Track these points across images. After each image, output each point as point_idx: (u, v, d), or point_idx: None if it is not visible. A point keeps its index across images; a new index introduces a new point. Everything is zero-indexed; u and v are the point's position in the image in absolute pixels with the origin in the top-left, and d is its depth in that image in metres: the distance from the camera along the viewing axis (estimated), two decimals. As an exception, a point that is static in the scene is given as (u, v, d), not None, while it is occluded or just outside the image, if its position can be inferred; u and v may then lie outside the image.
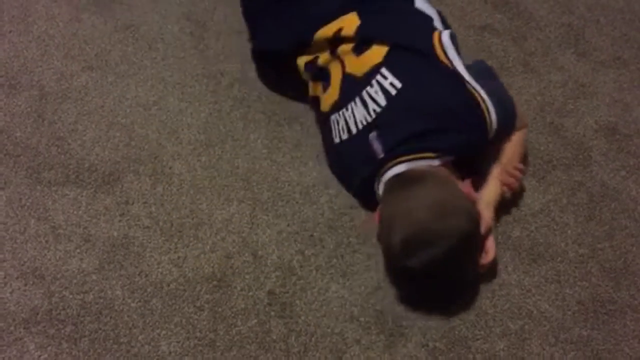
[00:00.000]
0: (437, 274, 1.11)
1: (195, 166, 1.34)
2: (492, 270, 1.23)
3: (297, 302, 1.18)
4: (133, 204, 1.28)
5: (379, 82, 1.23)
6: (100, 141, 1.36)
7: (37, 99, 1.41)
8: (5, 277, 1.16)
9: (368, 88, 1.24)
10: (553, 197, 1.33)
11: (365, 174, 1.23)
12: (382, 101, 1.22)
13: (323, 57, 1.32)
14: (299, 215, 1.28)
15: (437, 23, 1.34)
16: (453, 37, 1.27)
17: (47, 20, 1.54)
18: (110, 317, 1.14)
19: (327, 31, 1.31)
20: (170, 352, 1.11)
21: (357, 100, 1.25)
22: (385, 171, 1.19)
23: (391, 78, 1.22)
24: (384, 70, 1.23)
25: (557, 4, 1.68)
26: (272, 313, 1.16)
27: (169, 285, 1.18)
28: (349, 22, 1.29)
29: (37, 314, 1.13)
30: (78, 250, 1.21)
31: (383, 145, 1.20)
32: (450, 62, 1.23)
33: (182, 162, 1.34)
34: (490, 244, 1.20)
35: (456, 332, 1.16)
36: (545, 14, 1.66)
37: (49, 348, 1.10)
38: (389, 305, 1.18)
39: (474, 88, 1.21)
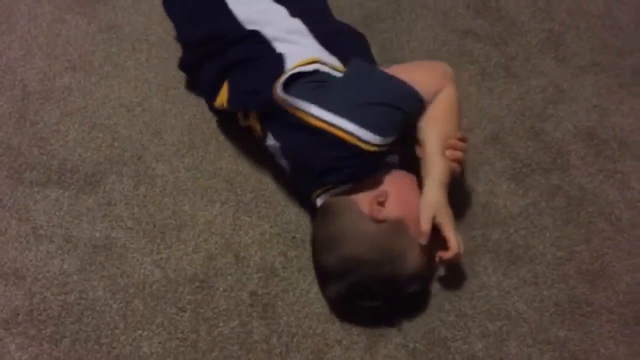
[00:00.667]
0: (366, 297, 1.13)
1: (178, 167, 1.34)
2: (459, 264, 1.20)
3: (279, 303, 1.19)
4: (115, 205, 1.28)
5: (268, 139, 1.25)
6: (83, 142, 1.36)
7: (19, 99, 1.41)
8: (-15, 278, 1.16)
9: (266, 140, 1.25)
10: (532, 201, 1.36)
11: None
12: (279, 156, 1.25)
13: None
14: (281, 217, 1.29)
15: (292, 59, 1.19)
16: (298, 76, 1.16)
17: (30, 20, 1.53)
18: (92, 318, 1.14)
19: (218, 103, 1.28)
20: (152, 353, 1.11)
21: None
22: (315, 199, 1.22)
23: (271, 139, 1.23)
24: (266, 131, 1.24)
25: (539, 10, 1.71)
26: (254, 314, 1.17)
27: (151, 286, 1.18)
28: (223, 95, 1.26)
29: (18, 314, 1.13)
30: (60, 251, 1.21)
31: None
32: (297, 109, 1.14)
33: (165, 164, 1.34)
34: (449, 235, 1.13)
35: (436, 333, 1.18)
36: (526, 19, 1.68)
37: (30, 349, 1.09)
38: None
39: (332, 125, 1.11)
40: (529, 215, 1.33)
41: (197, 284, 1.19)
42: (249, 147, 1.38)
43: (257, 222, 1.28)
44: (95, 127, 1.38)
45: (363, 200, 1.14)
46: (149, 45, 1.53)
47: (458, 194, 1.36)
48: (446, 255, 1.14)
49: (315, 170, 1.16)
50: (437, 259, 1.15)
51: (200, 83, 1.38)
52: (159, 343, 1.12)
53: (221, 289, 1.19)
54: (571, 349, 1.17)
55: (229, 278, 1.21)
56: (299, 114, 1.14)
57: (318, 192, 1.19)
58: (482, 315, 1.20)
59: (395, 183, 1.17)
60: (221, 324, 1.15)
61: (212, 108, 1.37)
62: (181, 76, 1.48)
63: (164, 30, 1.56)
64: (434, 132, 1.17)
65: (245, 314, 1.17)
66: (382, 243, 1.11)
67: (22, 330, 1.11)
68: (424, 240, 1.12)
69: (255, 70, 1.23)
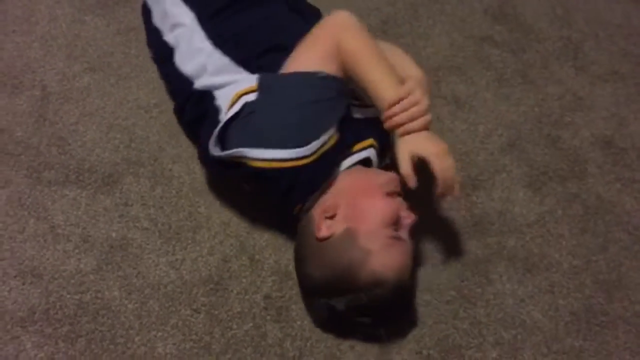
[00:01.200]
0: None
1: (194, 169, 1.34)
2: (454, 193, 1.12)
3: (293, 306, 1.19)
4: (132, 205, 1.28)
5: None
6: (101, 142, 1.37)
7: (39, 99, 1.42)
8: (3, 276, 1.17)
9: None
10: (548, 209, 1.35)
11: None
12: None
13: None
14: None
15: (224, 104, 1.15)
16: (231, 120, 1.12)
17: (50, 21, 1.55)
18: (107, 318, 1.14)
19: None
20: (166, 354, 1.12)
21: None
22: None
23: (246, 187, 1.23)
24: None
25: (557, 18, 1.70)
26: (268, 317, 1.17)
27: (166, 287, 1.19)
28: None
29: (35, 313, 1.14)
30: (76, 251, 1.21)
31: None
32: (235, 158, 1.11)
33: (181, 165, 1.35)
34: (436, 167, 1.06)
35: (450, 340, 1.17)
36: (544, 26, 1.67)
37: (46, 347, 1.10)
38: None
39: (264, 160, 1.08)
40: (545, 223, 1.33)
41: (211, 285, 1.20)
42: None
43: (272, 225, 1.28)
44: (113, 128, 1.39)
45: (315, 215, 1.11)
46: (167, 47, 1.54)
47: (474, 202, 1.35)
48: (440, 189, 1.07)
49: (277, 200, 1.15)
50: (436, 194, 1.09)
51: None
52: (174, 344, 1.13)
53: (235, 292, 1.20)
54: (586, 359, 1.17)
55: (244, 280, 1.21)
56: (237, 160, 1.11)
57: (295, 212, 1.16)
58: (497, 323, 1.19)
59: (345, 186, 1.11)
60: (235, 327, 1.16)
61: None
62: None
63: (182, 32, 1.56)
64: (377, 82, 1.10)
65: (259, 317, 1.17)
66: (329, 259, 1.07)
67: (38, 328, 1.12)
68: (411, 182, 1.07)
69: (205, 129, 1.17)
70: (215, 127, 1.13)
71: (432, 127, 1.33)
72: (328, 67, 1.12)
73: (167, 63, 1.30)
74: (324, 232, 1.08)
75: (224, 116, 1.13)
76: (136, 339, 1.13)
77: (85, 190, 1.29)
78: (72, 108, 1.41)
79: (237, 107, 1.12)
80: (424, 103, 1.09)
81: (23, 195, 1.27)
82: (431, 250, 1.27)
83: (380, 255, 1.05)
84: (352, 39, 1.13)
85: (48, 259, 1.20)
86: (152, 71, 1.48)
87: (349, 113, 1.15)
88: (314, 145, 1.08)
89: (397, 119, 1.09)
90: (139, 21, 1.50)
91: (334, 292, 1.08)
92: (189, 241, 1.25)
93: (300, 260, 1.14)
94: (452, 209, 1.33)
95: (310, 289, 1.13)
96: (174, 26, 1.30)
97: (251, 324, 1.16)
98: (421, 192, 1.35)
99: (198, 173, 1.34)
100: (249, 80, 1.15)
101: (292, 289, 1.21)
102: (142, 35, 1.55)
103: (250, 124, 1.11)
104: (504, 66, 1.58)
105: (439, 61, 1.59)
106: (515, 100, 1.52)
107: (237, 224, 1.28)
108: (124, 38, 1.54)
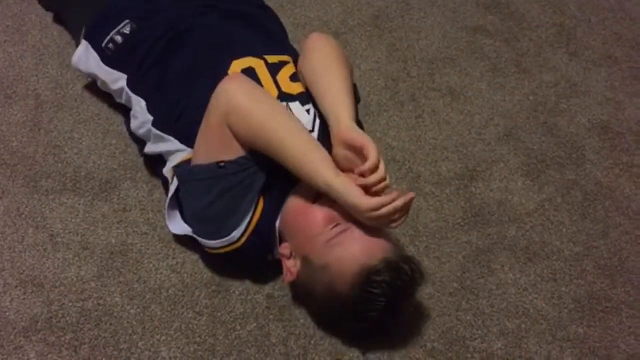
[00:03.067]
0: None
1: (192, 172, 1.34)
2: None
3: (296, 305, 1.19)
4: (131, 211, 1.28)
5: None
6: (97, 149, 1.36)
7: (33, 108, 1.42)
8: (4, 286, 1.17)
9: None
10: (548, 197, 1.34)
11: None
12: None
13: None
14: (296, 219, 1.29)
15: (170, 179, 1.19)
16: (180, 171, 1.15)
17: (41, 30, 1.55)
18: (110, 324, 1.14)
19: None
20: (170, 358, 1.11)
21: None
22: None
23: None
24: None
25: (549, 5, 1.70)
26: (271, 317, 1.17)
27: (167, 291, 1.19)
28: None
29: (37, 322, 1.13)
30: (77, 258, 1.21)
31: None
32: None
33: (178, 169, 1.34)
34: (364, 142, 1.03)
35: (454, 333, 1.17)
36: (537, 14, 1.67)
37: (50, 356, 1.10)
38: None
39: (209, 247, 1.16)
40: (545, 211, 1.32)
41: (213, 287, 1.20)
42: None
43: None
44: (108, 134, 1.39)
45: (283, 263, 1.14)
46: (160, 51, 1.53)
47: (473, 193, 1.35)
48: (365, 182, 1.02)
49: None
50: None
51: None
52: (178, 348, 1.12)
53: (237, 293, 1.19)
54: (591, 345, 1.16)
55: (245, 281, 1.21)
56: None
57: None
58: (501, 314, 1.19)
59: (287, 224, 1.12)
60: (239, 328, 1.16)
61: None
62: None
63: (174, 35, 1.56)
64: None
65: (262, 317, 1.17)
66: (311, 294, 1.09)
67: (42, 337, 1.12)
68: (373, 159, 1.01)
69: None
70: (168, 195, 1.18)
71: (428, 119, 1.33)
72: (229, 151, 1.08)
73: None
74: (290, 277, 1.11)
75: (171, 187, 1.18)
76: (140, 344, 1.13)
77: (83, 198, 1.29)
78: (66, 116, 1.41)
79: (176, 183, 1.16)
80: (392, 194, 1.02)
81: (21, 205, 1.27)
82: (432, 243, 1.27)
83: (340, 257, 1.03)
84: (241, 122, 1.07)
85: (49, 268, 1.20)
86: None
87: (269, 175, 1.12)
88: (237, 233, 1.11)
89: (383, 222, 1.03)
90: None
91: (341, 315, 1.07)
92: (189, 244, 1.24)
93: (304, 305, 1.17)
94: (452, 201, 1.33)
95: (327, 323, 1.14)
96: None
97: (255, 324, 1.16)
98: (421, 191, 1.35)
99: (195, 176, 1.34)
100: (177, 155, 1.19)
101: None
102: (134, 40, 1.54)
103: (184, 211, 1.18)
104: (498, 56, 1.58)
105: (432, 53, 1.58)
106: (510, 89, 1.51)
107: (237, 225, 1.27)
108: (116, 44, 1.53)
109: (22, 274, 1.19)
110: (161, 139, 1.21)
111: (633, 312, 1.20)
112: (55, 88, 1.45)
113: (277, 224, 1.13)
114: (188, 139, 1.16)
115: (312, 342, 1.14)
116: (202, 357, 1.12)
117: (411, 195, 1.03)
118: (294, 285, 1.15)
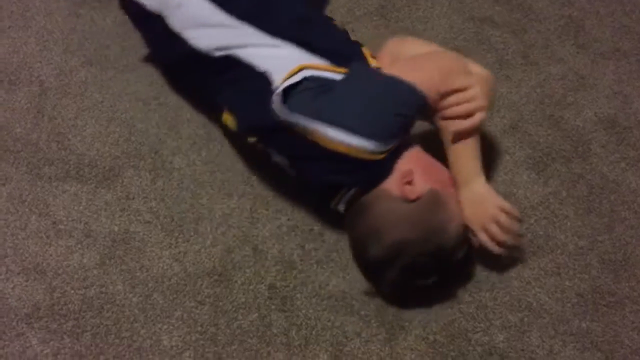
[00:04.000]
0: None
1: (195, 161, 1.34)
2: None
3: (298, 295, 1.19)
4: (133, 199, 1.28)
5: (274, 155, 1.22)
6: (100, 136, 1.36)
7: (36, 94, 1.41)
8: (7, 273, 1.17)
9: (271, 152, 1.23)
10: (553, 190, 1.34)
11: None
12: (288, 169, 1.22)
13: None
14: (299, 210, 1.29)
15: (277, 74, 1.14)
16: (292, 88, 1.12)
17: (45, 16, 1.54)
18: (112, 312, 1.14)
19: (227, 125, 1.27)
20: (171, 347, 1.12)
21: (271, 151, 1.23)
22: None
23: (276, 155, 1.21)
24: (269, 149, 1.22)
25: (557, -4, 1.68)
26: (273, 307, 1.17)
27: (170, 280, 1.19)
28: (227, 119, 1.25)
29: (39, 309, 1.14)
30: (79, 246, 1.21)
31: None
32: (300, 127, 1.12)
33: (182, 157, 1.34)
34: (476, 227, 1.16)
35: (456, 325, 1.17)
36: (544, 6, 1.65)
37: (51, 343, 1.10)
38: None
39: (335, 141, 1.09)
40: (550, 204, 1.32)
41: (215, 277, 1.20)
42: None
43: (274, 215, 1.27)
44: (112, 122, 1.38)
45: (390, 185, 1.14)
46: (164, 38, 1.52)
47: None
48: (477, 242, 1.18)
49: (325, 184, 1.16)
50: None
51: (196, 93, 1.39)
52: (179, 336, 1.13)
53: (239, 282, 1.19)
54: (594, 340, 1.16)
55: (247, 271, 1.21)
56: (299, 130, 1.12)
57: (335, 199, 1.18)
58: (503, 307, 1.19)
59: (412, 159, 1.16)
60: (240, 317, 1.16)
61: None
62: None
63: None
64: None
65: (264, 307, 1.17)
66: (422, 219, 1.12)
67: (44, 324, 1.12)
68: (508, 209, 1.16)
69: (245, 94, 1.19)
70: (263, 92, 1.14)
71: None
72: (430, 93, 1.13)
73: (153, 21, 1.28)
74: (415, 192, 1.13)
75: (277, 83, 1.13)
76: (141, 332, 1.13)
77: (86, 185, 1.29)
78: (70, 103, 1.40)
79: (297, 78, 1.12)
80: (480, 101, 1.13)
81: (24, 192, 1.27)
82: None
83: (458, 211, 1.15)
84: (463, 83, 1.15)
85: (51, 255, 1.20)
86: (150, 64, 1.47)
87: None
88: (390, 144, 1.12)
89: (449, 112, 1.13)
90: (134, 13, 1.48)
91: (419, 252, 1.11)
92: (192, 233, 1.24)
93: (377, 231, 1.12)
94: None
95: (396, 252, 1.11)
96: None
97: (256, 314, 1.16)
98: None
99: (199, 165, 1.33)
100: (304, 56, 1.17)
101: (297, 278, 1.20)
102: (138, 27, 1.53)
103: (331, 101, 1.12)
104: (505, 47, 1.56)
105: (439, 43, 1.56)
106: (517, 81, 1.50)
107: (239, 215, 1.27)
108: (120, 30, 1.52)
109: (24, 260, 1.19)
110: (258, 41, 1.19)
111: (637, 307, 1.20)
112: (59, 74, 1.44)
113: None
114: (287, 37, 1.18)
115: (314, 333, 1.14)
116: (203, 346, 1.12)
117: (521, 241, 1.22)
118: (394, 208, 1.13)
